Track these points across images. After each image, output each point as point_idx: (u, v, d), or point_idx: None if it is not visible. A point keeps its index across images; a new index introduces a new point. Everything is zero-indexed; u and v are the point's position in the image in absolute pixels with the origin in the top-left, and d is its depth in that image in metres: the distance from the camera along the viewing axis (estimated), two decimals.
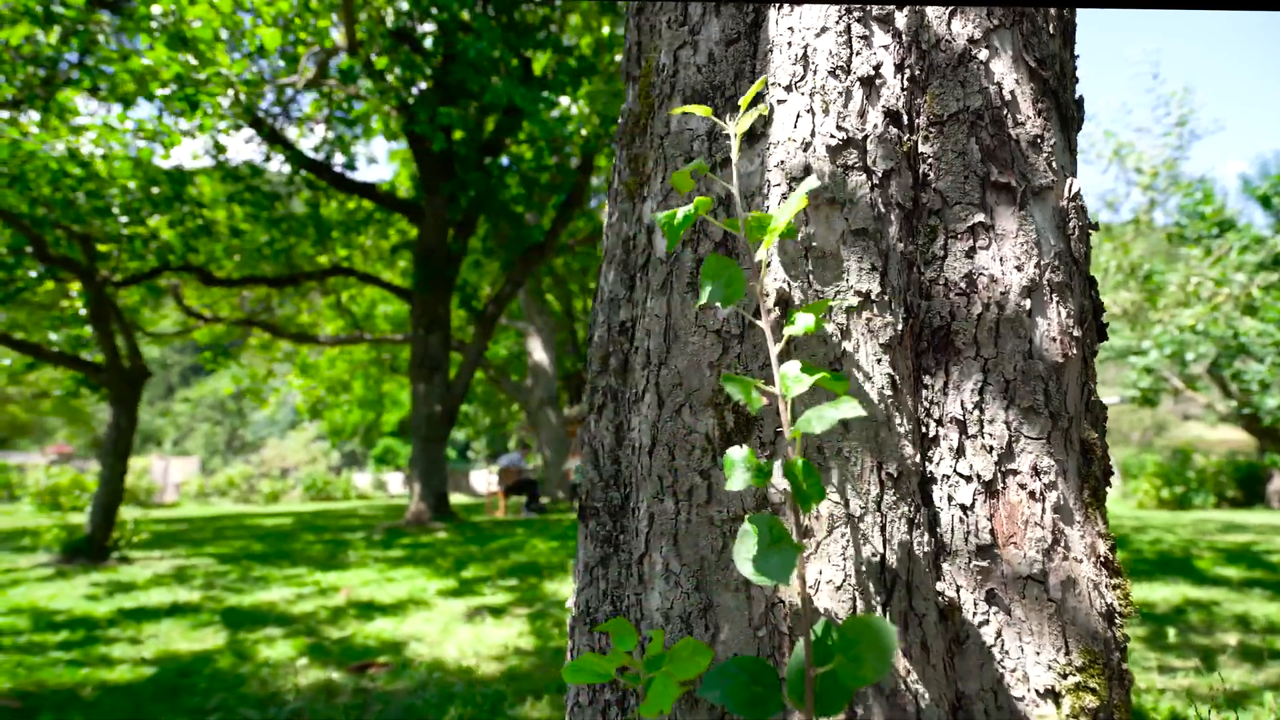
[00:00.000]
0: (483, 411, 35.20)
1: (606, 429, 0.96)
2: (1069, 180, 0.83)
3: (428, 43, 9.66)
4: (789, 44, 0.82)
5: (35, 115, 6.54)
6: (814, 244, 0.77)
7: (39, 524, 7.54)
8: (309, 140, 13.37)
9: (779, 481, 0.74)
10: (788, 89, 0.82)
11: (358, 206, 14.33)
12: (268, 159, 11.32)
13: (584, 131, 6.87)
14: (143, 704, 2.66)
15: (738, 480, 0.64)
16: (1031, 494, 0.72)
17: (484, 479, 34.46)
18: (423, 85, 9.74)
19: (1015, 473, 0.73)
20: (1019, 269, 0.77)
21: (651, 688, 0.65)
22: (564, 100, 7.12)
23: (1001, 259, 0.77)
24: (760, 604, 0.73)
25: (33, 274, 8.04)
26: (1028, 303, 0.76)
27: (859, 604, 0.69)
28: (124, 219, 6.72)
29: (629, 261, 0.99)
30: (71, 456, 30.29)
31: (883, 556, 0.70)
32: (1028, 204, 0.79)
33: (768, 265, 0.76)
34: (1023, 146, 0.81)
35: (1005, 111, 0.81)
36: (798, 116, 0.80)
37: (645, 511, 0.83)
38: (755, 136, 0.84)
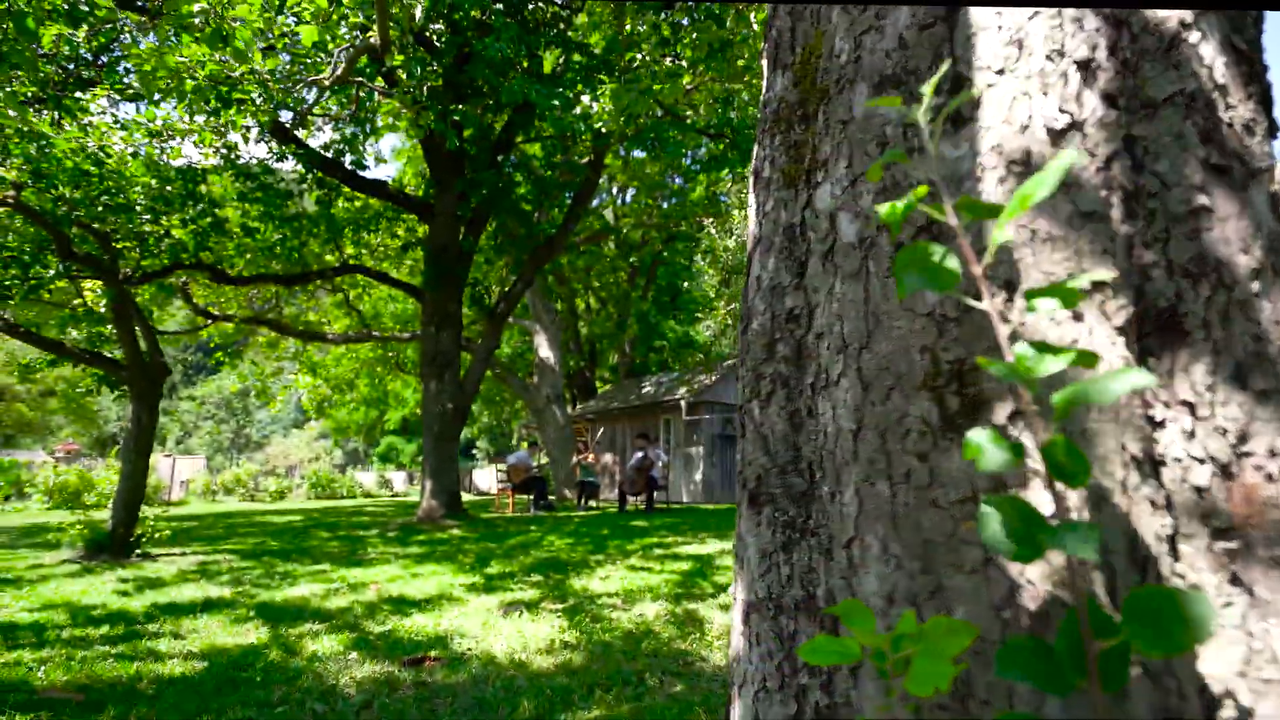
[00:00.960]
0: (486, 410, 35.19)
1: (778, 415, 0.96)
2: (1277, 164, 0.83)
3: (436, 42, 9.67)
4: (999, 28, 0.82)
5: (47, 114, 6.55)
6: (1038, 227, 0.77)
7: (60, 520, 7.52)
8: (315, 139, 13.35)
9: (1031, 462, 0.74)
10: (999, 73, 0.82)
11: (364, 204, 14.33)
12: (282, 157, 11.30)
13: (602, 129, 6.86)
14: (205, 697, 2.66)
15: (992, 460, 0.64)
16: (1269, 475, 0.73)
17: (489, 476, 34.47)
18: (429, 85, 9.75)
19: (1250, 454, 0.73)
20: (1244, 252, 0.77)
21: (916, 665, 0.66)
22: (585, 98, 7.11)
23: (1226, 241, 0.77)
24: (1000, 585, 0.73)
25: (50, 271, 8.03)
26: (1256, 285, 0.76)
27: (1118, 583, 0.69)
28: (146, 216, 6.71)
29: (793, 249, 0.99)
30: (78, 454, 30.26)
31: (1133, 537, 0.70)
32: (1247, 187, 0.79)
33: (991, 249, 0.77)
34: (1237, 130, 0.81)
35: (1217, 95, 0.81)
36: (1013, 100, 0.80)
37: (852, 496, 0.83)
38: (959, 121, 0.84)
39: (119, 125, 6.47)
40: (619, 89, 5.76)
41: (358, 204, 14.50)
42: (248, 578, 5.97)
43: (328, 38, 4.11)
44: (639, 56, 6.85)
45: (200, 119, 5.07)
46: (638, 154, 18.70)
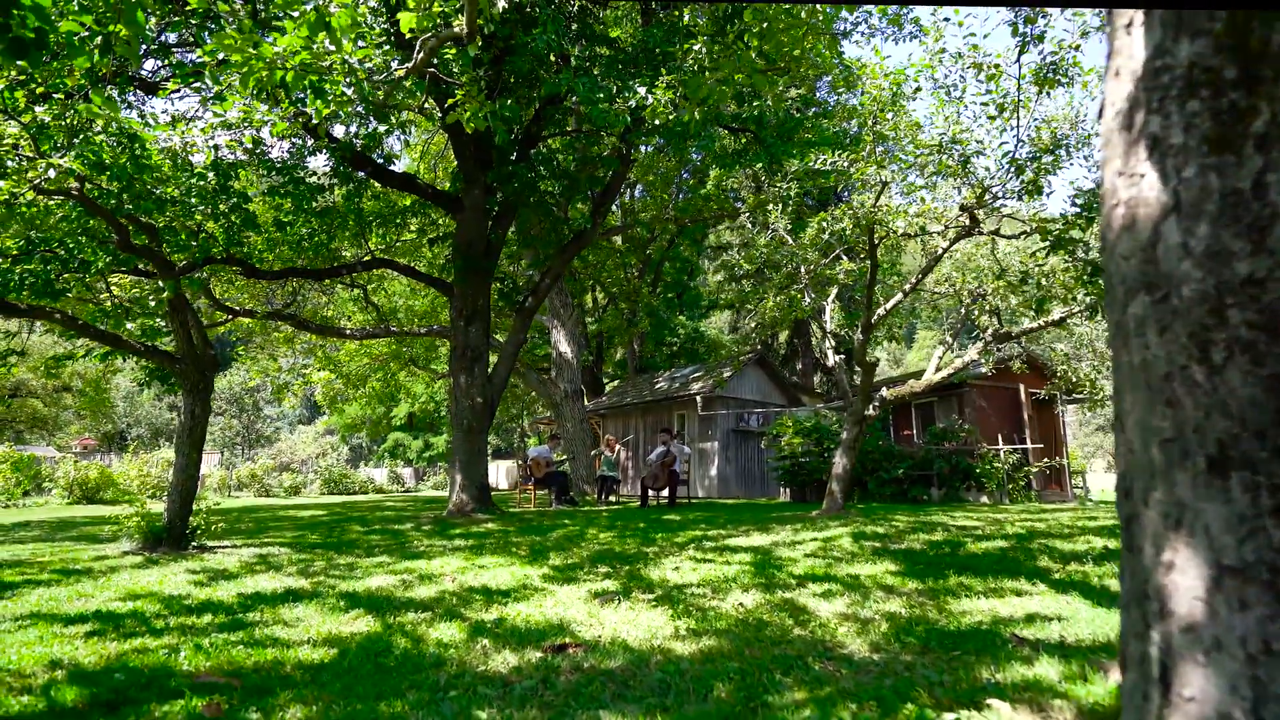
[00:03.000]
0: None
1: (1241, 380, 0.97)
2: None
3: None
4: None
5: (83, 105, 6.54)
6: None
7: (117, 513, 7.53)
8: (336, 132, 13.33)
9: None
10: None
11: (380, 197, 14.29)
12: (312, 151, 11.30)
13: (656, 120, 6.86)
14: (361, 680, 2.68)
15: None
16: None
17: (496, 471, 34.49)
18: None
19: None
20: None
21: None
22: (641, 89, 7.11)
23: None
24: None
25: (98, 264, 8.03)
26: None
27: None
28: (203, 208, 6.72)
29: (1240, 215, 1.01)
30: (94, 450, 30.20)
31: None
32: None
33: None
34: None
35: None
36: None
37: None
38: None
39: (179, 118, 6.48)
40: (697, 78, 5.76)
41: (380, 201, 14.50)
42: (313, 569, 5.99)
43: (426, 24, 4.10)
44: (696, 48, 6.85)
45: (276, 111, 5.07)
46: (645, 148, 18.65)
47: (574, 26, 10.37)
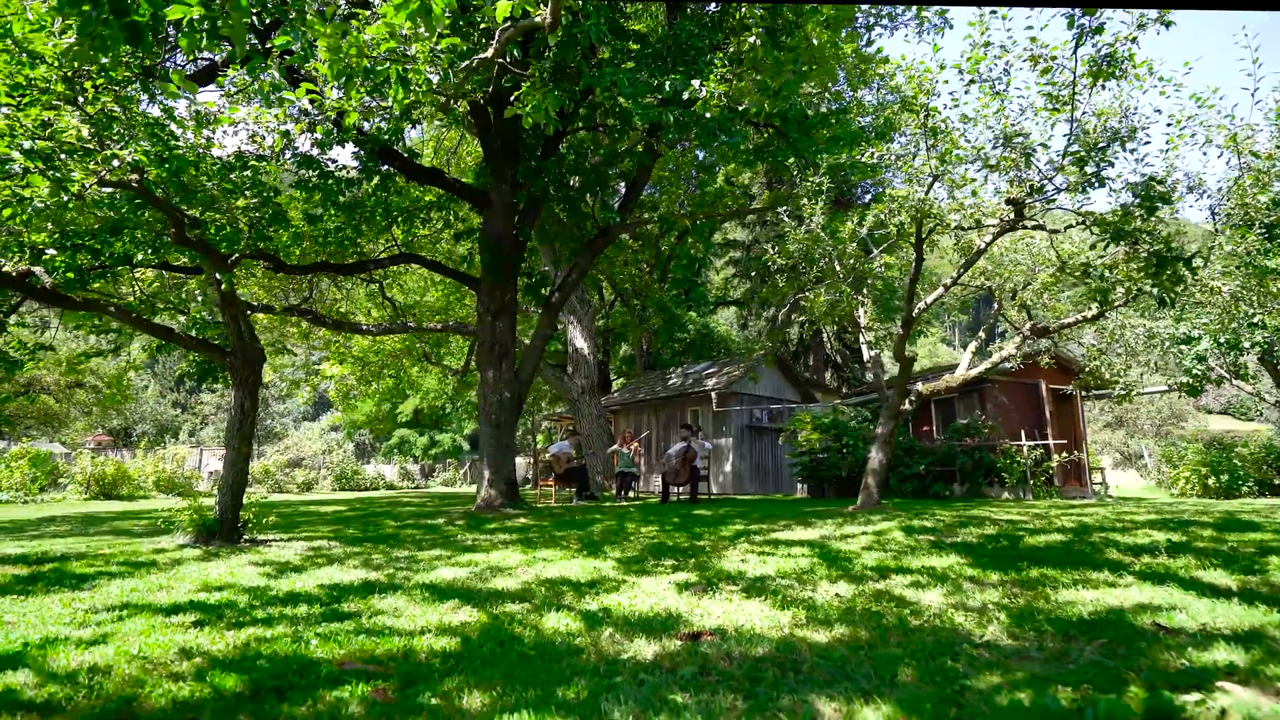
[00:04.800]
0: None
1: None
2: None
3: None
4: None
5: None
6: None
7: (170, 507, 7.50)
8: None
9: None
10: None
11: (403, 191, 14.24)
12: (341, 144, 11.24)
13: (707, 114, 6.83)
14: (516, 667, 2.65)
15: None
16: None
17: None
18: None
19: None
20: None
21: None
22: (694, 82, 7.07)
23: None
24: None
25: (138, 255, 8.00)
26: None
27: None
28: (255, 200, 6.69)
29: None
30: (107, 446, 30.10)
31: None
32: None
33: None
34: None
35: None
36: None
37: None
38: None
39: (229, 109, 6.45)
40: (773, 69, 5.73)
41: (403, 196, 14.45)
42: (374, 562, 5.97)
43: (519, 11, 4.07)
44: (751, 40, 6.82)
45: (345, 100, 5.05)
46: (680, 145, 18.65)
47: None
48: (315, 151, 9.96)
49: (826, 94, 15.20)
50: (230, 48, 10.00)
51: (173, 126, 6.46)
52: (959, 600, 3.73)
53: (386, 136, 11.88)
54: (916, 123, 7.50)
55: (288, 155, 9.08)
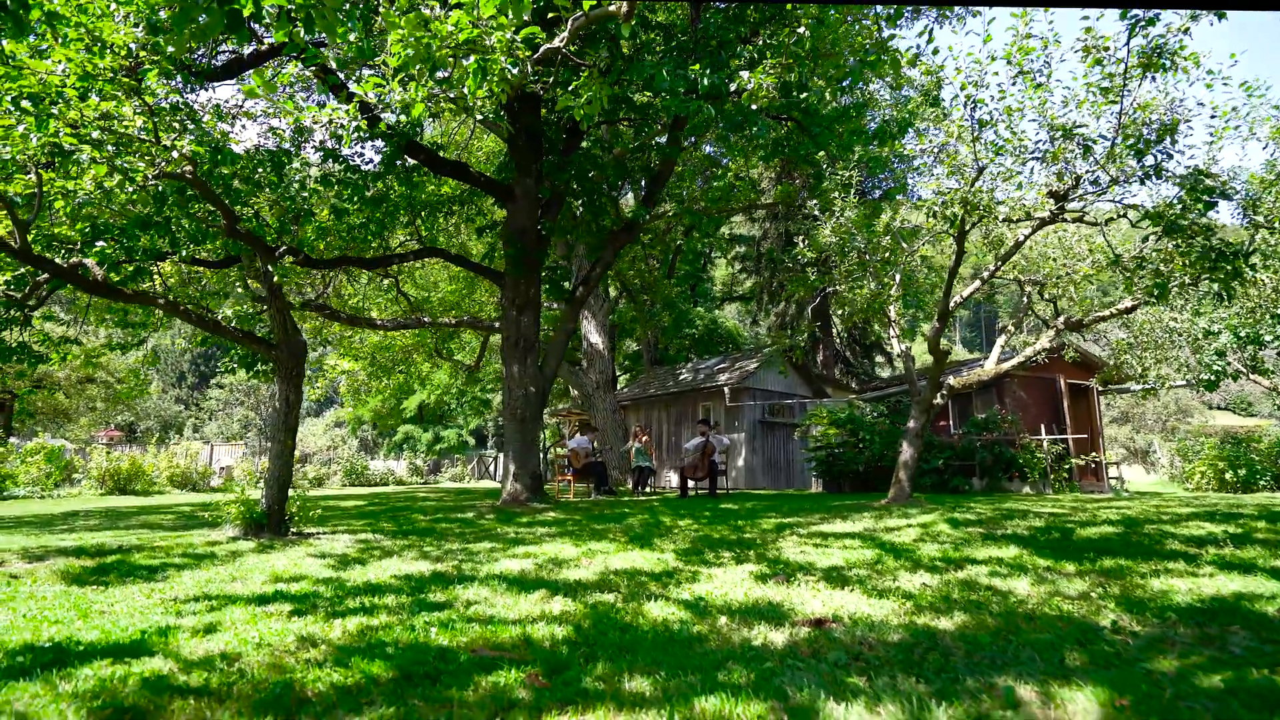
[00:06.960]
0: None
1: None
2: None
3: None
4: None
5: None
6: None
7: (218, 500, 7.48)
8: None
9: None
10: None
11: (421, 185, 14.19)
12: (371, 138, 11.19)
13: (754, 106, 6.81)
14: (658, 652, 2.63)
15: None
16: None
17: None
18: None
19: None
20: None
21: None
22: (744, 74, 7.05)
23: None
24: None
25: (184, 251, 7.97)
26: None
27: None
28: (300, 195, 6.67)
29: None
30: (119, 442, 29.98)
31: None
32: None
33: None
34: None
35: None
36: None
37: None
38: None
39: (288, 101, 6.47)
40: (833, 62, 5.72)
41: (425, 190, 14.40)
42: (431, 554, 5.95)
43: (588, 4, 4.05)
44: (800, 30, 6.81)
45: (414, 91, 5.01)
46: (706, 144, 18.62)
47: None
48: (346, 149, 9.90)
49: (850, 87, 15.15)
50: (269, 39, 9.95)
51: (213, 120, 6.44)
52: (1053, 589, 3.74)
53: (409, 129, 11.84)
54: (961, 114, 7.50)
55: (325, 148, 9.03)
